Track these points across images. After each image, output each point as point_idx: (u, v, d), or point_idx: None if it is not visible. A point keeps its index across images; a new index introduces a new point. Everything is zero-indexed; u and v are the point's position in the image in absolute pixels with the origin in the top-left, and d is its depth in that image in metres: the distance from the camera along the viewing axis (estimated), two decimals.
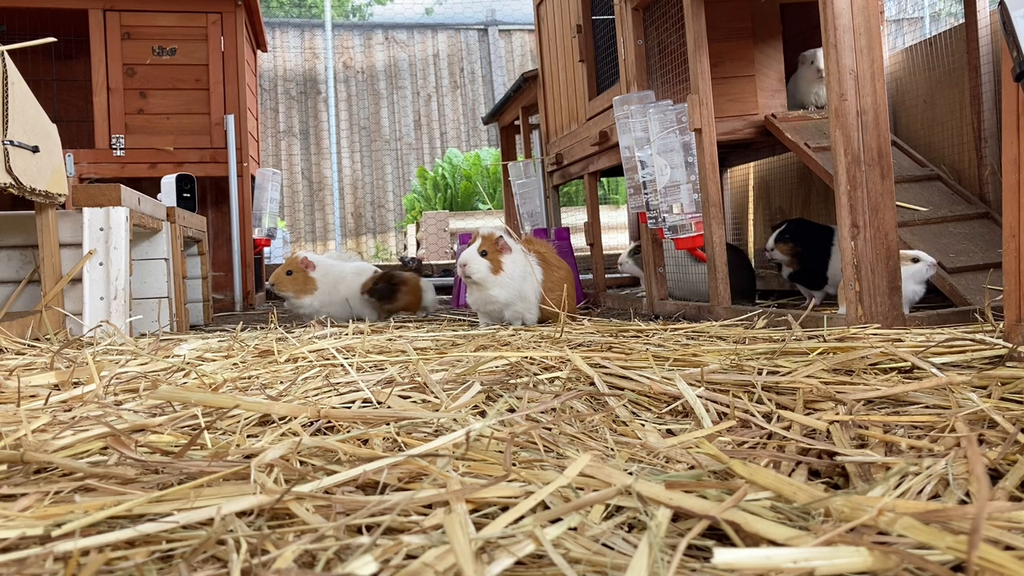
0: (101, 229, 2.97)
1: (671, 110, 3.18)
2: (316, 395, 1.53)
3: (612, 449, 1.14)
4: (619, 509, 0.88)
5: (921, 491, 0.92)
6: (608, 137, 3.93)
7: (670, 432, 1.26)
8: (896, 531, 0.75)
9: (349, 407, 1.39)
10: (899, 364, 1.64)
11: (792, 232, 3.28)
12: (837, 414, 1.27)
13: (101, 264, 2.95)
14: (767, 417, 1.30)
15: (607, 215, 8.36)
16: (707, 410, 1.35)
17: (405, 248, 10.60)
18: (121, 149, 5.44)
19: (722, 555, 0.70)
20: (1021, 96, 1.75)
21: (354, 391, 1.52)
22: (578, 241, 5.24)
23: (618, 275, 4.97)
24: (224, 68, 5.59)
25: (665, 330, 2.45)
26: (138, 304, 3.40)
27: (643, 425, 1.29)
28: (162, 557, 0.79)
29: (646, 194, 3.30)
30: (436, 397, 1.49)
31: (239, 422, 1.31)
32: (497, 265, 3.00)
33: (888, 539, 0.76)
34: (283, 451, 1.03)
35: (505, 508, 0.88)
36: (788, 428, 1.22)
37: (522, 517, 0.84)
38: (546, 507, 0.88)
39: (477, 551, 0.75)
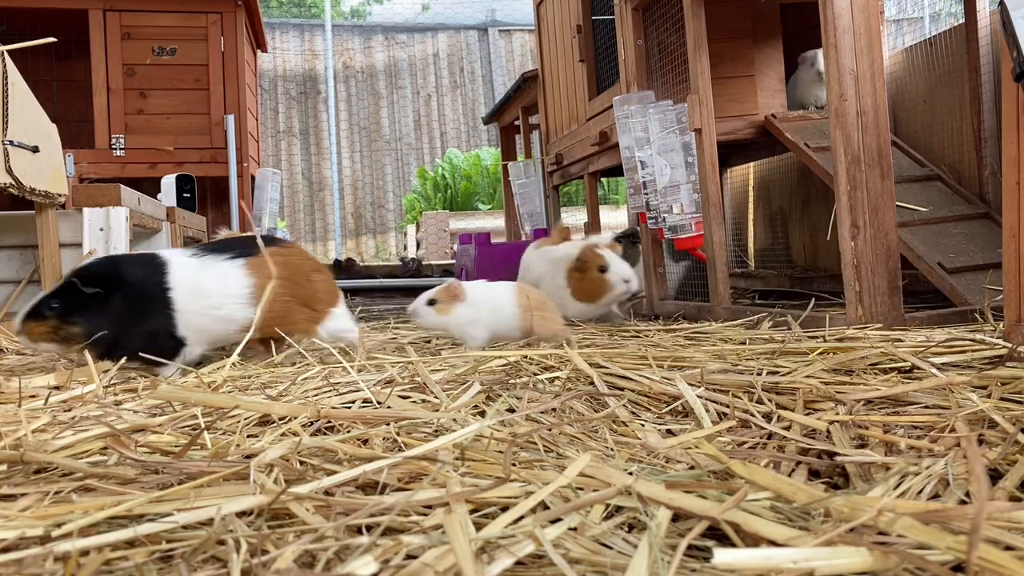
0: (101, 229, 2.96)
1: (671, 110, 3.17)
2: (316, 395, 1.53)
3: (612, 449, 1.14)
4: (619, 509, 0.88)
5: (921, 491, 0.92)
6: (608, 137, 3.93)
7: (670, 432, 1.26)
8: (896, 531, 0.75)
9: (349, 407, 1.39)
10: (899, 364, 1.63)
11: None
12: (837, 414, 1.27)
13: None
14: (767, 417, 1.30)
15: (607, 215, 8.34)
16: (707, 410, 1.35)
17: (405, 248, 10.60)
18: (121, 149, 5.44)
19: (722, 555, 0.70)
20: (1021, 96, 1.75)
21: (354, 391, 1.52)
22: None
23: None
24: (224, 68, 5.59)
25: (665, 330, 2.45)
26: None
27: (643, 425, 1.29)
28: (162, 557, 0.79)
29: (646, 194, 3.29)
30: (436, 397, 1.49)
31: (239, 422, 1.31)
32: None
33: (888, 539, 0.76)
34: (283, 451, 1.03)
35: (505, 508, 0.88)
36: (788, 428, 1.22)
37: (522, 517, 0.84)
38: (546, 507, 0.87)
39: (477, 551, 0.75)
